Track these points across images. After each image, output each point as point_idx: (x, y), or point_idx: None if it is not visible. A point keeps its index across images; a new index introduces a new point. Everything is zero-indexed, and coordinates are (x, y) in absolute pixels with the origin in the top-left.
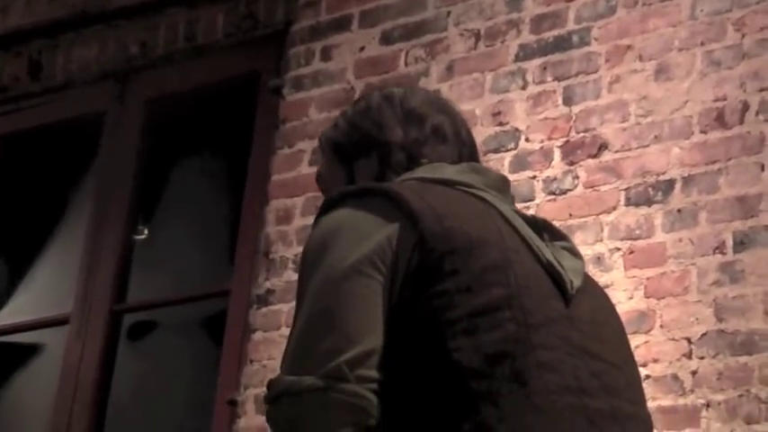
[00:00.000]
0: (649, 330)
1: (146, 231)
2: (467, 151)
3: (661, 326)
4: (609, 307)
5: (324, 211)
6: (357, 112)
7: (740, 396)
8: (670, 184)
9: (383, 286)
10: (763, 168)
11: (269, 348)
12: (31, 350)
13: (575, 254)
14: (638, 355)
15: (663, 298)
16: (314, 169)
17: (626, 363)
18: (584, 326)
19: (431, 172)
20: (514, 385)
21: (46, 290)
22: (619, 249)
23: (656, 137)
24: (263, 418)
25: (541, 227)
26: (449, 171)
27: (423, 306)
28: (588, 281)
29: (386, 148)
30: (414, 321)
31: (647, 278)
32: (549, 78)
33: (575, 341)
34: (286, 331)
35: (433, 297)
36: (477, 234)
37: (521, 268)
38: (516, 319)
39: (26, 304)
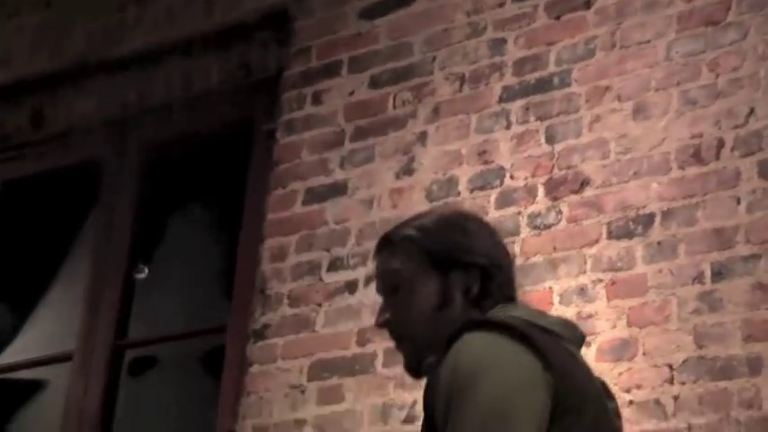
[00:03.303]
0: (632, 358)
1: (146, 270)
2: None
3: (643, 353)
4: None
5: (468, 329)
6: (443, 223)
7: (720, 420)
8: (650, 217)
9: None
10: (738, 202)
11: (266, 381)
12: (36, 386)
13: (619, 417)
14: (622, 382)
15: (645, 327)
16: (307, 208)
17: None
18: None
19: (532, 316)
20: None
21: (49, 329)
22: (601, 281)
23: (635, 173)
24: None
25: (602, 386)
26: (549, 320)
27: None
28: None
29: (492, 269)
30: None
31: (629, 308)
32: (532, 118)
33: None
34: (282, 364)
35: None
36: (585, 393)
37: (607, 429)
38: None
39: (30, 343)
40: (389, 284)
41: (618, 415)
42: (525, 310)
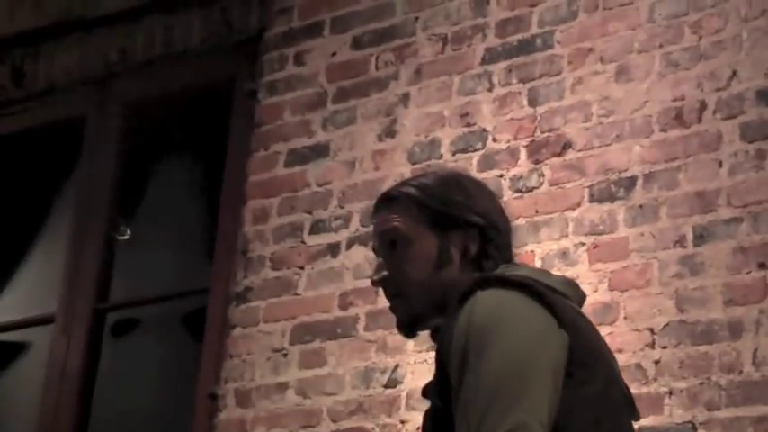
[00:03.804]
0: (613, 321)
1: (127, 232)
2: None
3: (625, 317)
4: None
5: (480, 286)
6: (443, 183)
7: (701, 383)
8: (632, 180)
9: (558, 368)
10: (720, 165)
11: (247, 343)
12: (18, 348)
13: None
14: None
15: (626, 290)
16: (289, 170)
17: None
18: None
19: (538, 275)
20: None
21: (31, 290)
22: (583, 244)
23: (617, 136)
24: (243, 410)
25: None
26: (554, 279)
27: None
28: None
29: (490, 231)
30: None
31: (611, 271)
32: (515, 80)
33: None
34: (264, 326)
35: (564, 400)
36: (596, 350)
37: (616, 386)
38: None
39: (12, 304)
40: (387, 242)
41: (620, 374)
42: (529, 270)
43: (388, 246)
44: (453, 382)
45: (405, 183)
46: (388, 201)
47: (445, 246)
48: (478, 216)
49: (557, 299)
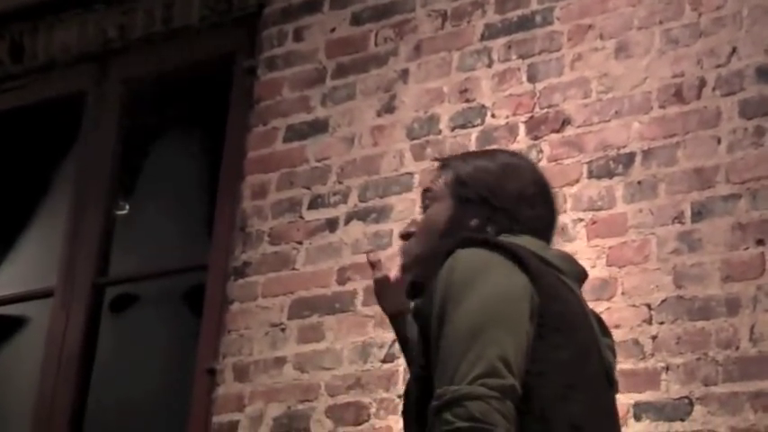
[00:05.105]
0: (611, 297)
1: (127, 207)
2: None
3: (622, 293)
4: None
5: (461, 245)
6: (487, 166)
7: (698, 359)
8: (630, 157)
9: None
10: (719, 141)
11: (246, 319)
12: (17, 322)
13: (614, 352)
14: None
15: (624, 266)
16: (288, 146)
17: None
18: (615, 416)
19: (535, 247)
20: None
21: (30, 264)
22: (582, 220)
23: (616, 112)
24: (241, 385)
25: (599, 322)
26: (549, 253)
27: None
28: None
29: (502, 212)
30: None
31: (609, 247)
32: (514, 56)
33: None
34: (262, 302)
35: (536, 363)
36: (574, 319)
37: (596, 358)
38: (584, 402)
39: (11, 278)
40: (423, 202)
41: (613, 351)
42: (526, 240)
43: (423, 206)
44: (433, 334)
45: (464, 156)
46: (440, 166)
47: (458, 215)
48: (498, 199)
49: (539, 266)
